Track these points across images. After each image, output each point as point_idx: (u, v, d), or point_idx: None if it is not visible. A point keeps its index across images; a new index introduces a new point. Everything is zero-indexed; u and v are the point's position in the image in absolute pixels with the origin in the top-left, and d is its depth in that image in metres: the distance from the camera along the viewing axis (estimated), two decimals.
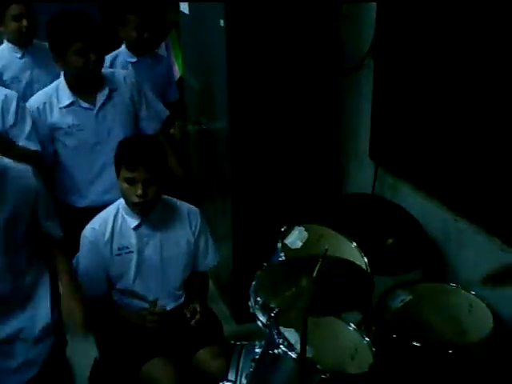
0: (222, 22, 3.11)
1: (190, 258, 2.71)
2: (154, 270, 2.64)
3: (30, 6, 3.48)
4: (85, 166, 3.04)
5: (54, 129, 2.96)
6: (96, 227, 2.61)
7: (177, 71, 4.45)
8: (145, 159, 2.48)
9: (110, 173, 2.73)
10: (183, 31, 4.00)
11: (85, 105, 2.96)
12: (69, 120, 2.95)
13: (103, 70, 3.01)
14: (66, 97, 2.95)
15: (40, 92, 3.07)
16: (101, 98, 2.98)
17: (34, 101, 3.00)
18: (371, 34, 3.15)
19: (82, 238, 2.63)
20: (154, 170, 2.50)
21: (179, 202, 2.74)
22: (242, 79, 3.16)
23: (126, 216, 2.61)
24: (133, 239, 2.61)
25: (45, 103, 2.96)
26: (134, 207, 2.56)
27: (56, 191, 3.09)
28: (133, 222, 2.61)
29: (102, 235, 2.59)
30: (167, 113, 3.33)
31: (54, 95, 2.97)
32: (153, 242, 2.64)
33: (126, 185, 2.51)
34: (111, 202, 2.69)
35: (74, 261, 2.65)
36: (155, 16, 3.94)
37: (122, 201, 2.62)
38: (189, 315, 2.60)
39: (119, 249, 2.60)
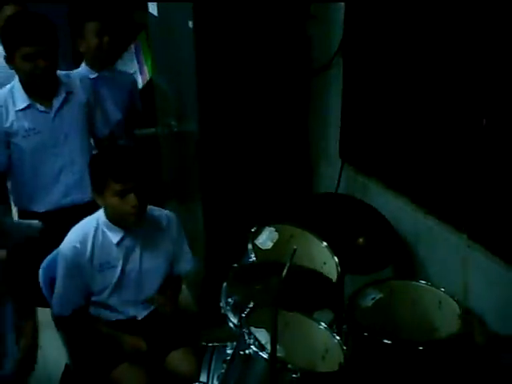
0: (190, 24, 3.10)
1: (167, 268, 2.68)
2: (133, 283, 2.60)
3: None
4: (42, 170, 2.98)
5: (9, 133, 2.90)
6: (77, 245, 2.51)
7: (146, 73, 4.43)
8: (133, 168, 2.44)
9: (68, 176, 2.71)
10: (152, 33, 3.98)
11: (41, 108, 2.91)
12: (25, 124, 2.89)
13: (59, 73, 2.97)
14: (22, 100, 2.89)
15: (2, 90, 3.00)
16: (57, 101, 2.94)
17: None
18: (339, 33, 3.16)
19: (61, 256, 2.55)
20: (143, 178, 2.45)
21: (157, 211, 2.70)
22: (211, 81, 3.15)
23: (107, 231, 2.55)
24: (115, 254, 2.56)
25: (0, 106, 2.89)
26: (128, 220, 2.49)
27: (13, 198, 3.05)
28: (115, 237, 2.55)
29: (83, 254, 2.51)
30: (118, 116, 3.31)
31: (10, 98, 2.90)
32: (133, 255, 2.59)
33: (117, 199, 2.43)
34: (71, 205, 2.65)
35: (42, 266, 2.63)
36: (117, 20, 3.78)
37: (101, 215, 2.56)
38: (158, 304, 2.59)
39: (101, 265, 2.54)
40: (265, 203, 3.32)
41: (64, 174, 2.96)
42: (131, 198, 2.41)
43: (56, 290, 2.56)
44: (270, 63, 3.23)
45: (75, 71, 3.38)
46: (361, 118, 3.14)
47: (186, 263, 2.76)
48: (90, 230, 2.54)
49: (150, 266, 2.62)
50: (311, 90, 3.44)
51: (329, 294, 2.20)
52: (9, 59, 2.84)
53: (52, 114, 2.94)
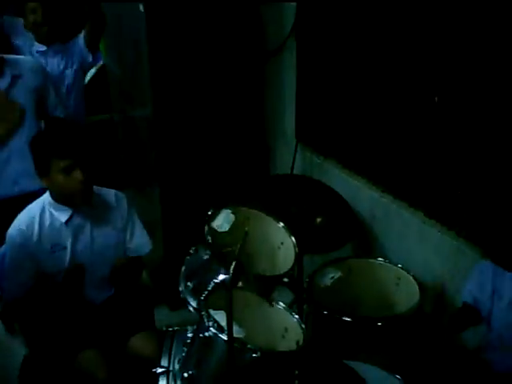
0: (141, 7, 3.06)
1: (120, 248, 2.66)
2: (85, 262, 2.57)
3: None
4: None
5: None
6: (23, 228, 2.48)
7: (100, 58, 4.36)
8: (76, 143, 2.40)
9: (17, 164, 2.65)
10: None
11: None
12: None
13: (7, 56, 2.93)
14: None
15: None
16: (2, 84, 2.90)
17: None
18: (292, 15, 3.15)
19: (8, 238, 2.51)
20: (87, 152, 2.42)
21: (105, 190, 2.67)
22: (164, 64, 3.12)
23: (54, 212, 2.51)
24: (65, 234, 2.52)
25: None
26: (75, 197, 2.45)
27: None
28: (63, 216, 2.51)
29: (30, 236, 2.47)
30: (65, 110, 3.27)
31: None
32: (84, 235, 2.56)
33: (62, 176, 2.38)
34: (20, 194, 2.59)
35: None
36: None
37: (46, 197, 2.52)
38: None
39: (52, 247, 2.51)
40: (222, 186, 3.31)
41: (12, 162, 2.90)
42: (77, 174, 2.38)
43: (6, 275, 2.52)
44: (224, 46, 3.22)
45: (28, 58, 3.36)
46: (316, 99, 3.15)
47: (143, 245, 2.72)
48: (36, 212, 2.51)
49: (102, 244, 2.59)
50: (266, 72, 3.43)
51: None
52: None
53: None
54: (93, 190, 2.50)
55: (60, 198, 2.49)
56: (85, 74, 3.82)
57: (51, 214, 2.51)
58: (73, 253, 2.54)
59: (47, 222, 2.51)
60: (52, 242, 2.51)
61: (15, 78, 2.93)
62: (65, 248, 2.53)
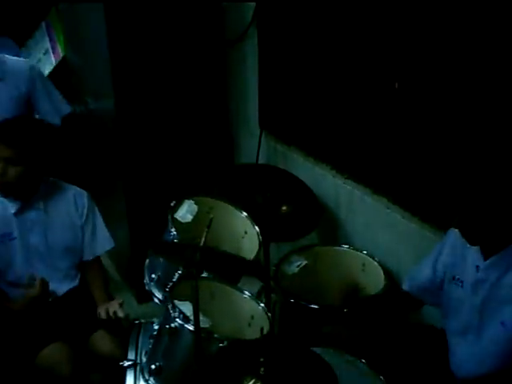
0: None
1: (77, 241, 2.62)
2: (41, 256, 2.54)
3: None
4: None
5: None
6: None
7: (59, 52, 4.30)
8: (6, 136, 2.37)
9: None
10: (62, 9, 3.86)
11: None
12: None
13: None
14: None
15: None
16: None
17: None
18: (253, 4, 3.14)
19: None
20: (18, 149, 2.37)
21: (65, 185, 2.64)
22: (125, 55, 3.08)
23: (5, 201, 2.49)
24: (15, 225, 2.49)
25: None
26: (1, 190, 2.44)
27: None
28: (13, 206, 2.49)
29: None
30: (69, 109, 3.19)
31: None
32: (37, 226, 2.53)
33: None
34: None
35: None
36: None
37: None
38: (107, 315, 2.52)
39: (1, 236, 2.48)
40: (186, 176, 3.29)
41: None
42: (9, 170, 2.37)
43: None
44: (184, 35, 3.19)
45: (16, 58, 3.19)
46: (278, 87, 3.15)
47: (104, 242, 2.69)
48: None
49: (57, 238, 2.57)
50: (228, 61, 3.41)
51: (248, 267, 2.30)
52: None
53: None
54: (21, 188, 2.46)
55: None
56: None
57: (2, 204, 2.49)
58: (25, 244, 2.51)
59: None
60: (1, 231, 2.48)
61: None
62: (14, 238, 2.49)
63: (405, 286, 2.27)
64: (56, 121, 3.12)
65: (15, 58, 3.14)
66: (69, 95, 3.85)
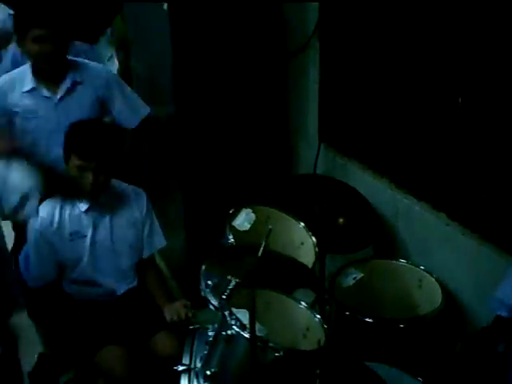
0: (165, 6, 3.08)
1: (138, 239, 2.71)
2: (106, 254, 2.64)
3: None
4: (41, 155, 2.93)
5: (12, 112, 2.89)
6: (43, 216, 2.57)
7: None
8: (97, 149, 2.48)
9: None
10: (127, 16, 3.94)
11: (45, 93, 2.89)
12: (27, 105, 2.88)
13: (72, 59, 2.96)
14: (29, 82, 2.89)
15: (6, 75, 3.00)
16: (63, 88, 2.91)
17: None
18: (316, 15, 3.14)
19: (29, 229, 2.60)
20: (105, 159, 2.50)
21: (124, 185, 2.74)
22: (187, 64, 3.13)
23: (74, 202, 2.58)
24: (85, 223, 2.60)
25: (8, 84, 2.90)
26: (83, 193, 2.54)
27: None
28: (83, 205, 2.60)
29: (50, 224, 2.56)
30: (147, 110, 3.25)
31: (18, 78, 2.91)
32: (103, 225, 2.63)
33: (77, 171, 2.50)
34: None
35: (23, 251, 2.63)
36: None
37: None
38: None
39: (71, 234, 2.58)
40: (244, 185, 3.31)
41: (61, 162, 2.94)
42: (89, 176, 2.48)
43: (29, 262, 2.59)
44: (247, 45, 3.21)
45: (94, 63, 3.24)
46: (339, 99, 3.13)
47: (158, 241, 2.78)
48: (57, 201, 2.60)
49: (121, 236, 2.66)
50: (289, 72, 3.42)
51: (305, 276, 2.28)
52: (20, 42, 2.85)
53: (55, 101, 2.91)
54: (103, 189, 2.58)
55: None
56: None
57: (72, 204, 2.59)
58: (93, 242, 2.60)
59: (67, 211, 2.59)
60: (71, 229, 2.59)
61: (75, 85, 2.94)
62: (84, 236, 2.59)
63: (502, 312, 1.98)
64: (133, 123, 3.18)
65: (93, 62, 3.23)
66: None
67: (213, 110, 3.23)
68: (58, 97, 2.91)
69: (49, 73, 2.89)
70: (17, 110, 2.90)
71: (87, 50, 3.71)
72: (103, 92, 3.03)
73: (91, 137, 2.52)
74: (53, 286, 2.64)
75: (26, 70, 2.93)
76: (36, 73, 2.89)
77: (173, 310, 2.57)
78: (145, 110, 3.22)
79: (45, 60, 2.82)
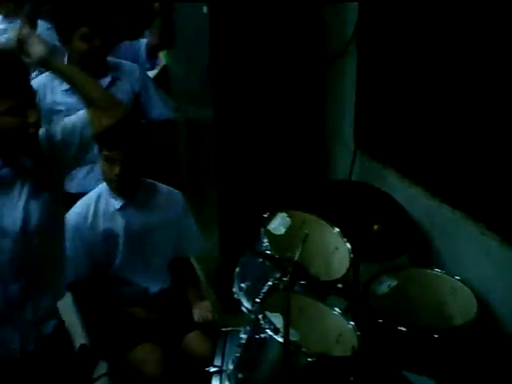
0: (205, 9, 3.09)
1: (173, 240, 2.72)
2: (139, 253, 2.65)
3: None
4: None
5: (53, 110, 2.95)
6: (79, 211, 2.62)
7: (161, 59, 4.42)
8: (123, 139, 2.50)
9: None
10: None
11: None
12: (70, 103, 2.92)
13: (109, 58, 3.02)
14: None
15: (44, 74, 3.04)
16: (104, 84, 2.98)
17: (38, 81, 2.97)
18: (355, 19, 3.13)
19: (66, 223, 2.61)
20: (133, 149, 2.52)
21: (162, 185, 2.77)
22: (225, 66, 3.14)
23: (109, 198, 2.62)
24: (118, 221, 2.63)
25: (47, 83, 2.97)
26: (111, 185, 2.59)
27: None
28: (117, 203, 2.63)
29: (84, 219, 2.61)
30: (174, 103, 3.35)
31: (57, 77, 2.94)
32: (137, 223, 2.66)
33: (105, 163, 2.54)
34: None
35: None
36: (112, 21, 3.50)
37: (104, 185, 2.65)
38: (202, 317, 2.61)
39: (104, 231, 2.62)
40: (279, 189, 3.31)
41: None
42: (116, 167, 2.51)
43: (68, 259, 2.60)
44: (286, 49, 3.23)
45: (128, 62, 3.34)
46: (375, 105, 3.12)
47: (195, 243, 2.78)
48: (93, 198, 2.65)
49: (155, 235, 2.69)
50: (328, 77, 3.42)
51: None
52: (66, 41, 2.92)
53: None
54: (135, 185, 2.63)
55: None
56: None
57: (106, 201, 2.64)
58: (126, 240, 2.63)
59: (102, 208, 2.64)
60: (105, 226, 2.63)
61: (115, 80, 3.06)
62: (117, 234, 2.63)
63: None
64: (167, 114, 3.29)
65: (128, 62, 3.31)
66: None
67: (250, 112, 3.25)
68: None
69: (92, 69, 2.92)
70: (61, 108, 2.96)
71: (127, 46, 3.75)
72: (139, 86, 3.13)
73: (118, 128, 2.53)
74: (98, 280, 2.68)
75: None
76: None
77: (200, 311, 2.58)
78: (172, 103, 3.34)
79: (92, 57, 2.89)
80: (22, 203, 2.06)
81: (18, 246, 2.07)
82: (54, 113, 2.96)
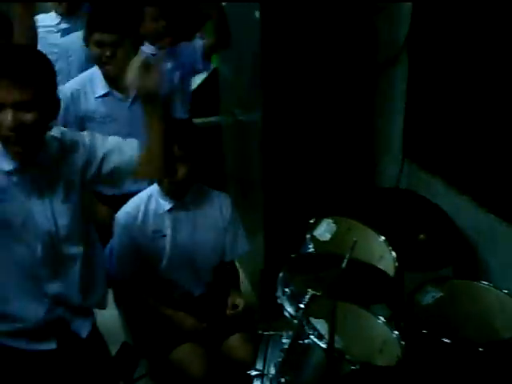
0: (257, 14, 3.11)
1: (220, 244, 2.74)
2: (186, 255, 2.68)
3: None
4: None
5: (86, 117, 2.98)
6: (129, 211, 2.65)
7: (208, 67, 4.45)
8: (178, 137, 2.53)
9: None
10: None
11: (119, 96, 2.98)
12: (102, 110, 2.98)
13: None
14: (101, 87, 2.98)
15: (74, 79, 3.09)
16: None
17: (68, 88, 3.01)
18: (407, 27, 3.12)
19: (115, 221, 2.68)
20: (184, 150, 2.54)
21: (210, 189, 2.79)
22: (276, 72, 3.15)
23: (159, 200, 2.65)
24: (166, 223, 2.65)
25: (79, 90, 2.98)
26: (162, 187, 2.61)
27: None
28: (166, 204, 2.65)
29: (134, 219, 2.64)
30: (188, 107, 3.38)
31: (89, 83, 2.99)
32: (185, 226, 2.68)
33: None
34: (138, 191, 2.72)
35: (109, 246, 2.70)
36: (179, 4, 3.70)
37: (154, 186, 2.67)
38: (230, 309, 2.64)
39: (153, 232, 2.65)
40: (325, 195, 3.31)
41: None
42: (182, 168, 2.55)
43: (115, 255, 2.67)
44: (337, 55, 3.22)
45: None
46: (425, 115, 3.10)
47: (241, 247, 2.80)
48: (144, 198, 2.67)
49: (202, 238, 2.70)
50: (378, 85, 3.40)
51: (386, 288, 2.20)
52: (86, 42, 2.96)
53: (129, 103, 2.99)
54: (187, 187, 2.64)
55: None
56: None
57: (157, 202, 2.66)
58: (173, 242, 2.64)
59: (152, 209, 2.65)
60: (154, 227, 2.64)
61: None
62: (165, 236, 2.64)
63: None
64: (183, 115, 3.29)
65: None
66: (217, 106, 3.99)
67: (300, 117, 3.25)
68: (131, 98, 2.97)
69: (120, 76, 2.96)
70: (94, 115, 2.98)
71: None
72: (168, 89, 3.13)
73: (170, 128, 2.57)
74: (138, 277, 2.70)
75: (95, 73, 3.00)
76: (108, 76, 2.97)
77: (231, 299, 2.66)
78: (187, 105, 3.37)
79: (104, 64, 2.90)
80: (49, 204, 2.08)
81: (49, 247, 2.10)
82: (87, 120, 2.99)
